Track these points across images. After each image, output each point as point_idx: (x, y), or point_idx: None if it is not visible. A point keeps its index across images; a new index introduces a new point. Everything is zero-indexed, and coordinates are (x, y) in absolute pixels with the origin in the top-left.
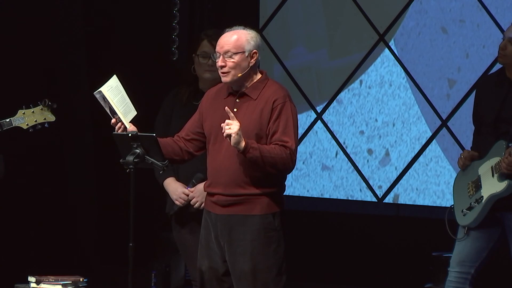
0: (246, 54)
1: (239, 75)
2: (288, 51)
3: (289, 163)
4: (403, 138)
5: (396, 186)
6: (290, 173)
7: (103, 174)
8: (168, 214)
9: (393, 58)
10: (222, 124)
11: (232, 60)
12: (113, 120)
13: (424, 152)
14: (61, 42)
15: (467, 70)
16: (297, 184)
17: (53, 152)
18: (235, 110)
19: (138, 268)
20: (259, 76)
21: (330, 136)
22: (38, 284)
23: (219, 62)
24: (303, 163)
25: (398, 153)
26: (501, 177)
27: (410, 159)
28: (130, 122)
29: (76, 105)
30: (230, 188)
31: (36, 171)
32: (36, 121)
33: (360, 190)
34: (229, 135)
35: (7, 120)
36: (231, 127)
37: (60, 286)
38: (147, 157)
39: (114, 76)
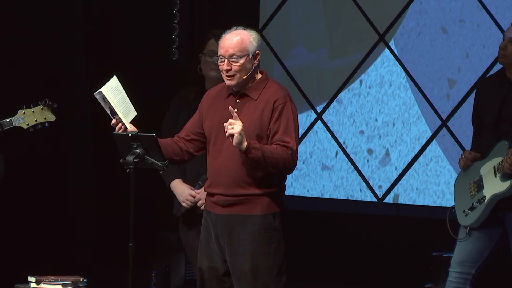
0: (250, 55)
1: (244, 77)
2: (288, 51)
3: (290, 163)
4: (403, 138)
5: (396, 186)
6: (290, 173)
7: (103, 174)
8: (176, 215)
9: (393, 58)
10: (224, 124)
11: (238, 63)
12: (113, 121)
13: (424, 152)
14: (61, 42)
15: (467, 70)
16: (297, 184)
17: (53, 152)
18: (236, 110)
19: (138, 268)
20: (259, 76)
21: (330, 136)
22: (38, 284)
23: (225, 66)
24: (303, 163)
25: (398, 153)
26: (504, 177)
27: (410, 159)
28: (130, 122)
29: (76, 104)
30: (230, 188)
31: (36, 171)
32: (36, 120)
33: (360, 190)
34: (232, 135)
35: (8, 119)
36: (234, 127)
37: (60, 286)
38: (147, 157)
39: (114, 77)
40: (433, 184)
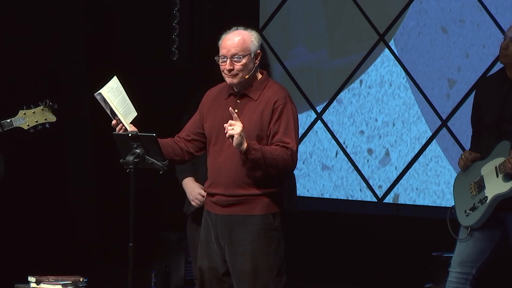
0: (252, 55)
1: (247, 76)
2: (288, 51)
3: (290, 164)
4: (403, 138)
5: (396, 186)
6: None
7: (103, 174)
8: (186, 213)
9: (393, 58)
10: (225, 125)
11: (240, 62)
12: (113, 122)
13: (424, 152)
14: (62, 43)
15: (467, 70)
16: (297, 184)
17: (53, 152)
18: (236, 110)
19: (138, 268)
20: (259, 76)
21: (330, 136)
22: (38, 284)
23: (227, 66)
24: (303, 163)
25: (398, 153)
26: (506, 177)
27: (410, 159)
28: (130, 122)
29: (76, 105)
30: (230, 189)
31: (36, 171)
32: (37, 121)
33: (360, 190)
34: (232, 136)
35: (8, 120)
36: (234, 128)
37: (60, 286)
38: (147, 157)
39: (115, 77)
40: (433, 184)
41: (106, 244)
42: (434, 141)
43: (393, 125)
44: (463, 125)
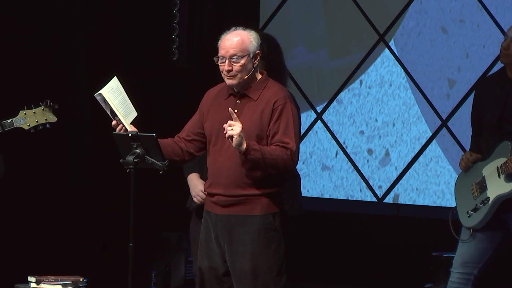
0: (251, 56)
1: (245, 77)
2: (288, 51)
3: (290, 164)
4: (403, 138)
5: (396, 186)
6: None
7: (103, 174)
8: (189, 209)
9: (393, 58)
10: (224, 125)
11: (239, 63)
12: (113, 122)
13: (424, 152)
14: (62, 43)
15: (467, 70)
16: None
17: (54, 152)
18: (236, 110)
19: (138, 268)
20: (259, 76)
21: (330, 136)
22: (38, 284)
23: (226, 66)
24: (303, 163)
25: (398, 153)
26: (509, 178)
27: (410, 159)
28: (130, 123)
29: (76, 105)
30: (230, 189)
31: (36, 171)
32: (37, 121)
33: (360, 190)
34: (231, 136)
35: (9, 120)
36: (234, 128)
37: (60, 286)
38: (147, 157)
39: (115, 78)
40: (433, 184)
41: (106, 244)
42: (434, 141)
43: (393, 125)
44: (463, 125)
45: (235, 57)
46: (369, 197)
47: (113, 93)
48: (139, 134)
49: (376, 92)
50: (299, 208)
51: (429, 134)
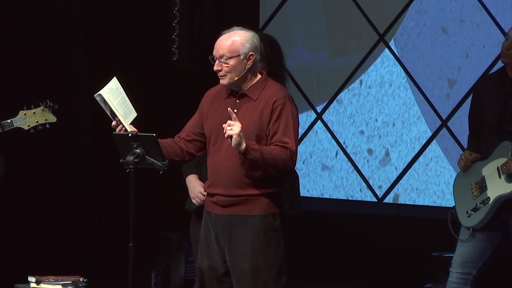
0: (242, 57)
1: (236, 78)
2: (288, 51)
3: (289, 164)
4: (403, 138)
5: (396, 186)
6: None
7: (103, 174)
8: (187, 210)
9: (393, 58)
10: (223, 125)
11: (227, 64)
12: (113, 123)
13: (424, 152)
14: (62, 43)
15: (467, 70)
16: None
17: (54, 152)
18: (235, 110)
19: (138, 268)
20: (259, 76)
21: (330, 136)
22: (38, 284)
23: (215, 66)
24: (303, 163)
25: (398, 153)
26: (509, 178)
27: (410, 159)
28: (130, 123)
29: (76, 105)
30: (230, 189)
31: (36, 171)
32: (37, 121)
33: (360, 190)
34: (230, 136)
35: (8, 120)
36: (233, 128)
37: (60, 286)
38: (147, 157)
39: (114, 78)
40: (433, 184)
41: (106, 244)
42: (434, 141)
43: (393, 125)
44: (463, 125)
45: (223, 57)
46: (369, 197)
47: (112, 94)
48: (139, 134)
49: (376, 92)
50: (299, 208)
51: (429, 134)
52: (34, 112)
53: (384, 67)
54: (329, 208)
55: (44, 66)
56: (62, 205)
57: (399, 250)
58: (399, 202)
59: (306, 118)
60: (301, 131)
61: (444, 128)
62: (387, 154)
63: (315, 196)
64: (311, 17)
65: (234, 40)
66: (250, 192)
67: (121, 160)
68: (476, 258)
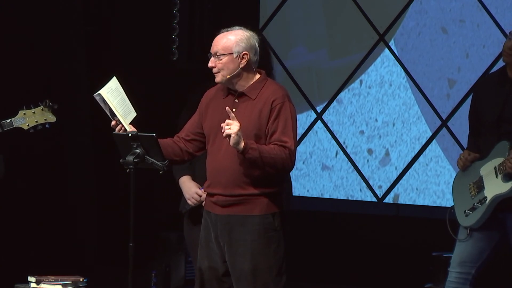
0: (235, 55)
1: (228, 76)
2: (288, 51)
3: (288, 163)
4: (403, 138)
5: (396, 186)
6: (290, 173)
7: (103, 174)
8: (181, 212)
9: (393, 58)
10: (222, 124)
11: (220, 61)
12: (113, 123)
13: (424, 152)
14: (61, 43)
15: (467, 70)
16: (297, 184)
17: (53, 152)
18: (234, 110)
19: (138, 268)
20: (257, 76)
21: (330, 136)
22: (38, 284)
23: (210, 63)
24: (303, 163)
25: (398, 153)
26: (506, 178)
27: (410, 159)
28: (130, 123)
29: (76, 105)
30: (229, 189)
31: (36, 171)
32: (37, 121)
33: (360, 190)
34: (229, 135)
35: (8, 120)
36: (231, 127)
37: (60, 286)
38: (147, 157)
39: (114, 78)
40: (433, 184)
41: (106, 244)
42: (434, 141)
43: (393, 125)
44: (463, 125)
45: (217, 54)
46: (369, 197)
47: (112, 93)
48: (139, 134)
49: (376, 92)
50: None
51: (429, 134)
52: (34, 112)
53: (384, 67)
54: (329, 208)
55: (44, 66)
56: (62, 205)
57: (399, 250)
58: (399, 202)
59: (306, 118)
60: (301, 131)
61: (444, 128)
62: (387, 154)
63: (315, 196)
64: (311, 17)
65: (229, 39)
66: (249, 192)
67: (121, 160)
68: (474, 257)
